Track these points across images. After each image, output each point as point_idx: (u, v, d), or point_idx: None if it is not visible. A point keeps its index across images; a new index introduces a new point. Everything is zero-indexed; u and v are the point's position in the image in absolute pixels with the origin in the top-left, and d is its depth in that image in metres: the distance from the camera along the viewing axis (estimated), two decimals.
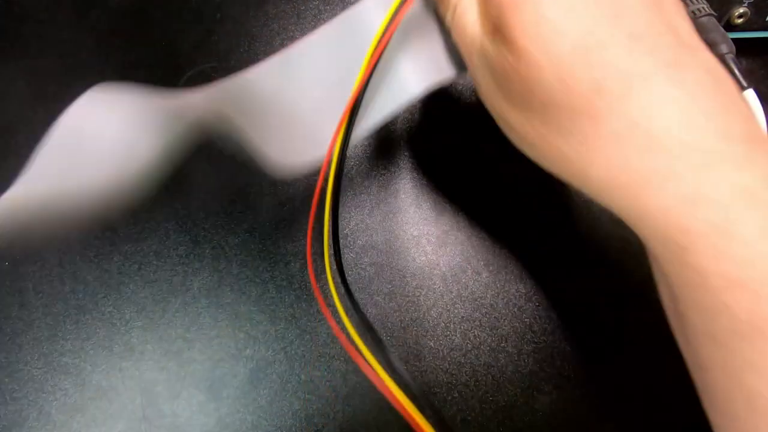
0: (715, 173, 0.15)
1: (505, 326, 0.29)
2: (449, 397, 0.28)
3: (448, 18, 0.19)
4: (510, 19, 0.16)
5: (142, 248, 0.28)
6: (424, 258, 0.29)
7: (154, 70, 0.30)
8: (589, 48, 0.15)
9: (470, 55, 0.18)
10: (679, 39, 0.16)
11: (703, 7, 0.26)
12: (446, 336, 0.28)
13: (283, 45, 0.30)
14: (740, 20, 0.28)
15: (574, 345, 0.29)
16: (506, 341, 0.28)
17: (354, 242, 0.29)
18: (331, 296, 0.24)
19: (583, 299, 0.26)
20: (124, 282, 0.27)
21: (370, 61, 0.19)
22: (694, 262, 0.15)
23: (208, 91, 0.20)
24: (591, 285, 0.28)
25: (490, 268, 0.29)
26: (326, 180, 0.22)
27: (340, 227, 0.29)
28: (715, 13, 0.26)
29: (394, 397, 0.23)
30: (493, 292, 0.29)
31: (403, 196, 0.29)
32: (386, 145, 0.30)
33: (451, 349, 0.28)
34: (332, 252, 0.25)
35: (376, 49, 0.19)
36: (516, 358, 0.28)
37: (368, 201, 0.29)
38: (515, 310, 0.29)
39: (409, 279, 0.28)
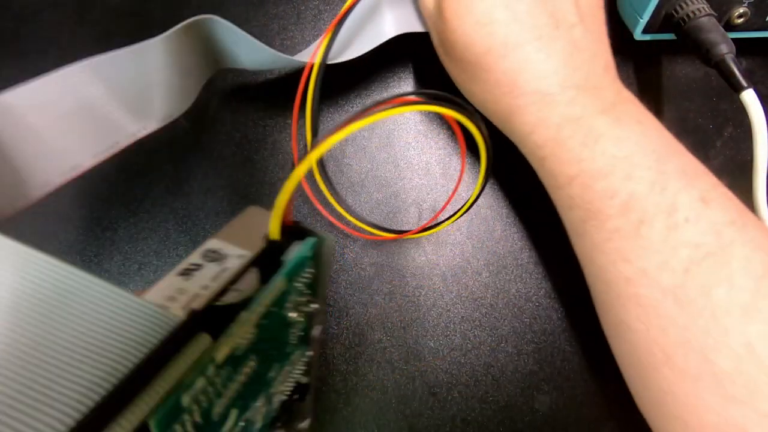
0: (553, 107, 0.22)
1: (505, 326, 0.29)
2: (449, 397, 0.28)
3: None
4: (444, 1, 0.24)
5: (142, 248, 0.28)
6: (424, 258, 0.29)
7: None
8: (485, 23, 0.23)
9: (427, 20, 0.26)
10: (555, 20, 0.22)
11: (703, 7, 0.26)
12: (446, 336, 0.28)
13: (283, 45, 0.30)
14: (740, 20, 0.28)
15: (574, 345, 0.29)
16: (506, 341, 0.28)
17: (354, 242, 0.29)
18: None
19: (583, 299, 0.26)
20: (124, 282, 0.27)
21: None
22: (548, 168, 0.23)
23: None
24: None
25: (490, 268, 0.29)
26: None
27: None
28: (715, 13, 0.26)
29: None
30: (493, 292, 0.29)
31: (403, 197, 0.29)
32: (385, 145, 0.30)
33: (451, 349, 0.28)
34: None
35: None
36: (516, 358, 0.28)
37: (368, 200, 0.29)
38: (515, 310, 0.29)
39: (409, 279, 0.28)
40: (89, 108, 0.22)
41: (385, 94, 0.30)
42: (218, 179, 0.29)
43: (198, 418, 0.10)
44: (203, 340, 0.10)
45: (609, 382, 0.26)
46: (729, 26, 0.28)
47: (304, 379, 0.16)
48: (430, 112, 0.30)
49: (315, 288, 0.14)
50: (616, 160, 0.21)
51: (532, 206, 0.30)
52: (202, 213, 0.28)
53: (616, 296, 0.22)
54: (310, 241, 0.12)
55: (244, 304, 0.11)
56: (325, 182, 0.28)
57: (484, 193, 0.30)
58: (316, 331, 0.15)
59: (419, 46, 0.29)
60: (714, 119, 0.32)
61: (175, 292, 0.11)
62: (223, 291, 0.11)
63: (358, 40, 0.27)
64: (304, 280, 0.13)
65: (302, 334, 0.15)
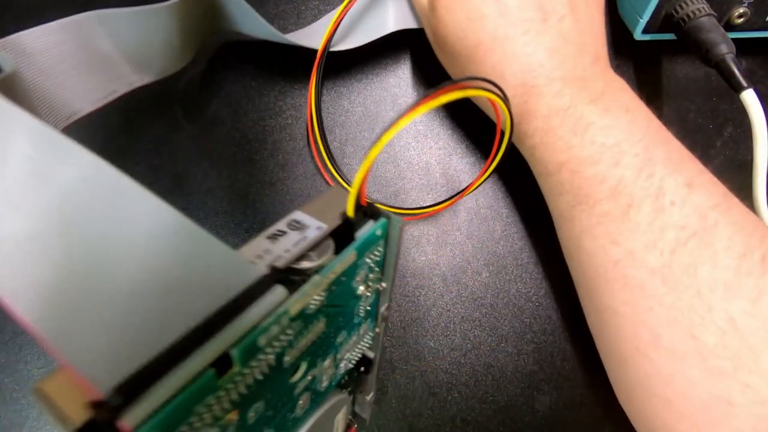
0: (540, 98, 0.23)
1: (505, 326, 0.28)
2: (449, 397, 0.28)
3: None
4: (437, 0, 0.25)
5: None
6: (424, 258, 0.29)
7: None
8: (475, 18, 0.23)
9: (421, 15, 0.27)
10: (543, 12, 0.23)
11: (703, 7, 0.26)
12: (446, 336, 0.28)
13: (283, 46, 0.30)
14: (740, 20, 0.28)
15: (574, 345, 0.29)
16: (506, 341, 0.28)
17: None
18: None
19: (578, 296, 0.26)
20: None
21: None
22: (538, 156, 0.24)
23: None
24: None
25: (490, 268, 0.29)
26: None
27: None
28: (715, 13, 0.26)
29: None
30: (493, 292, 0.29)
31: (402, 197, 0.29)
32: (385, 145, 0.30)
33: (451, 349, 0.28)
34: None
35: None
36: (516, 358, 0.28)
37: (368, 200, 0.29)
38: (515, 310, 0.29)
39: (409, 279, 0.28)
40: (93, 53, 0.23)
41: (431, 88, 0.30)
42: (218, 179, 0.29)
43: (272, 361, 0.11)
44: (280, 292, 0.11)
45: (609, 382, 0.25)
46: (729, 26, 0.28)
47: (369, 353, 0.18)
48: (429, 113, 0.30)
49: (383, 267, 0.15)
50: (604, 148, 0.22)
51: (532, 206, 0.30)
52: (202, 213, 0.28)
53: (604, 281, 0.22)
54: (381, 221, 0.14)
55: (318, 270, 0.12)
56: (328, 181, 0.28)
57: (484, 193, 0.30)
58: (383, 308, 0.16)
59: (417, 39, 0.29)
60: (714, 119, 0.32)
61: (263, 252, 0.12)
62: (302, 255, 0.12)
63: (361, 30, 0.28)
64: (374, 257, 0.15)
65: (369, 309, 0.16)
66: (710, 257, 0.20)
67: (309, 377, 0.14)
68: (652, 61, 0.32)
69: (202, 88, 0.29)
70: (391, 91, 0.30)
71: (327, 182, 0.28)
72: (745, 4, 0.28)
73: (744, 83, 0.25)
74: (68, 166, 0.11)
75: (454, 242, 0.29)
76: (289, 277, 0.12)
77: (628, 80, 0.25)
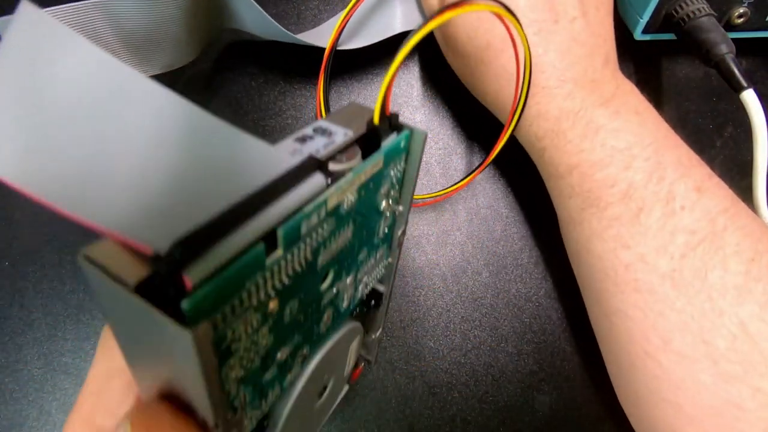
0: (551, 100, 0.23)
1: (505, 326, 0.28)
2: (449, 397, 0.28)
3: None
4: (448, 1, 0.25)
5: None
6: (424, 258, 0.29)
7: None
8: (486, 19, 0.23)
9: (430, 16, 0.25)
10: (555, 13, 0.23)
11: (703, 7, 0.26)
12: (446, 336, 0.28)
13: (284, 46, 0.30)
14: (740, 20, 0.28)
15: (574, 345, 0.29)
16: (506, 341, 0.28)
17: None
18: None
19: (583, 300, 0.26)
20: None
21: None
22: (548, 158, 0.24)
23: None
24: None
25: (490, 268, 0.29)
26: None
27: None
28: (715, 13, 0.26)
29: None
30: (493, 292, 0.29)
31: None
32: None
33: (451, 349, 0.28)
34: None
35: None
36: (516, 358, 0.28)
37: None
38: (515, 310, 0.29)
39: (409, 279, 0.28)
40: (96, 42, 0.23)
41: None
42: None
43: (309, 256, 0.12)
44: (320, 180, 0.12)
45: (609, 382, 0.25)
46: (729, 26, 0.28)
47: (380, 287, 0.18)
48: (429, 113, 0.30)
49: (402, 186, 0.16)
50: (615, 151, 0.22)
51: (532, 206, 0.30)
52: None
53: (614, 284, 0.22)
54: (405, 132, 0.14)
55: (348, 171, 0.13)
56: None
57: (484, 193, 0.30)
58: (399, 231, 0.17)
59: (425, 40, 0.29)
60: (714, 119, 0.32)
61: (293, 151, 0.12)
62: (332, 157, 0.13)
63: (369, 31, 0.28)
64: (397, 172, 0.15)
65: (387, 231, 0.17)
66: (720, 261, 0.20)
67: (334, 290, 0.15)
68: (652, 61, 0.32)
69: (202, 87, 0.29)
70: (399, 92, 0.30)
71: None
72: (745, 4, 0.28)
73: (744, 83, 0.25)
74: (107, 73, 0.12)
75: (454, 242, 0.29)
76: (326, 170, 0.12)
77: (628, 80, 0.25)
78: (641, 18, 0.28)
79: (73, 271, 0.27)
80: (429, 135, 0.30)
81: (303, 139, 0.13)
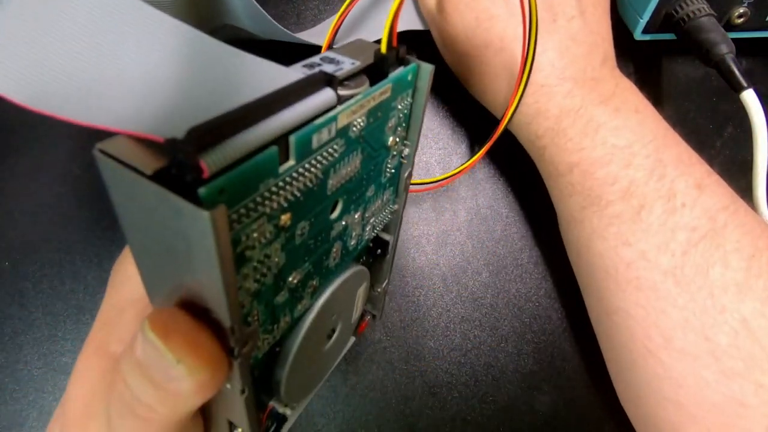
0: (551, 98, 0.23)
1: (505, 326, 0.28)
2: (449, 397, 0.28)
3: None
4: (446, 1, 0.25)
5: None
6: (424, 258, 0.29)
7: None
8: (484, 18, 0.24)
9: (427, 18, 0.27)
10: (553, 13, 0.23)
11: (703, 7, 0.26)
12: (446, 336, 0.28)
13: (284, 46, 0.30)
14: (740, 20, 0.28)
15: (574, 345, 0.29)
16: (506, 341, 0.28)
17: None
18: None
19: (583, 299, 0.26)
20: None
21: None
22: (548, 156, 0.24)
23: None
24: None
25: (490, 268, 0.29)
26: None
27: None
28: (715, 13, 0.26)
29: None
30: (493, 292, 0.29)
31: None
32: None
33: (451, 349, 0.28)
34: None
35: None
36: (516, 358, 0.28)
37: None
38: (515, 310, 0.29)
39: (409, 279, 0.28)
40: None
41: None
42: None
43: (320, 174, 0.12)
44: (330, 94, 0.12)
45: (609, 383, 0.25)
46: (729, 26, 0.28)
47: (386, 236, 0.19)
48: (429, 113, 0.30)
49: (409, 125, 0.16)
50: (615, 149, 0.22)
51: (532, 206, 0.30)
52: None
53: (615, 282, 0.22)
54: (412, 65, 0.15)
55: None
56: None
57: (484, 193, 0.30)
58: (405, 174, 0.17)
59: (422, 41, 0.29)
60: (714, 119, 0.32)
61: (303, 74, 0.13)
62: (342, 80, 0.13)
63: (364, 30, 0.28)
64: (404, 106, 0.15)
65: (394, 172, 0.17)
66: (721, 258, 0.20)
67: (343, 223, 0.15)
68: (652, 61, 0.32)
69: None
70: None
71: None
72: (745, 4, 0.28)
73: (744, 83, 0.25)
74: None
75: (454, 242, 0.29)
76: (335, 86, 0.12)
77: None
78: (641, 18, 0.28)
79: (73, 271, 0.27)
80: (429, 135, 0.30)
81: (311, 66, 0.13)
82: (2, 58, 0.11)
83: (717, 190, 0.22)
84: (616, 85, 0.23)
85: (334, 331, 0.18)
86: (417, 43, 0.29)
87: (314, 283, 0.15)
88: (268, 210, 0.11)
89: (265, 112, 0.10)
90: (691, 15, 0.26)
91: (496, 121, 0.26)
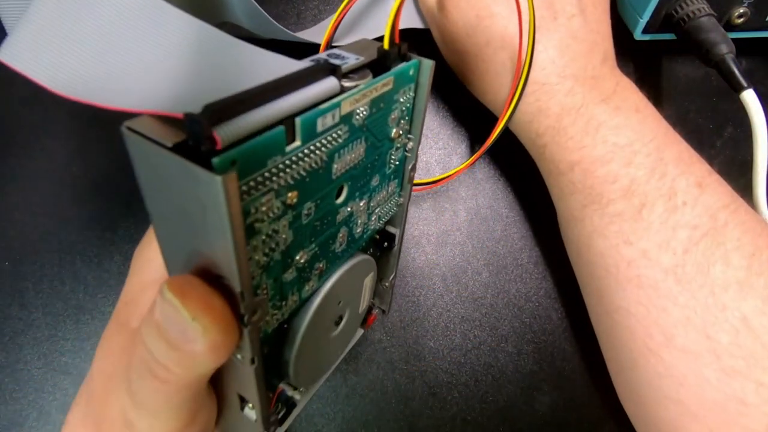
0: (551, 96, 0.23)
1: (505, 326, 0.28)
2: (449, 397, 0.28)
3: None
4: (446, 0, 0.25)
5: None
6: (424, 258, 0.29)
7: None
8: (485, 16, 0.24)
9: (428, 17, 0.28)
10: (553, 11, 0.23)
11: (703, 7, 0.26)
12: (446, 336, 0.28)
13: (283, 46, 0.30)
14: (740, 20, 0.28)
15: (574, 345, 0.29)
16: (506, 341, 0.28)
17: None
18: None
19: (583, 299, 0.26)
20: (124, 282, 0.27)
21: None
22: (549, 155, 0.24)
23: None
24: None
25: (490, 268, 0.29)
26: None
27: None
28: (715, 13, 0.26)
29: None
30: (493, 292, 0.29)
31: None
32: None
33: (451, 349, 0.28)
34: None
35: None
36: (516, 358, 0.28)
37: None
38: (515, 310, 0.29)
39: (409, 279, 0.28)
40: None
41: None
42: None
43: (325, 157, 0.13)
44: (333, 82, 0.13)
45: (609, 383, 0.25)
46: (729, 26, 0.28)
47: (392, 229, 0.20)
48: (429, 113, 0.30)
49: (412, 118, 0.17)
50: (616, 148, 0.22)
51: (532, 206, 0.30)
52: None
53: (616, 281, 0.22)
54: (414, 61, 0.15)
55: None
56: None
57: (484, 193, 0.30)
58: (409, 166, 0.18)
59: (422, 39, 0.29)
60: (714, 119, 0.32)
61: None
62: (346, 74, 0.14)
63: (363, 28, 0.29)
64: (406, 100, 0.16)
65: (398, 164, 0.18)
66: (722, 256, 0.20)
67: (348, 209, 0.16)
68: (652, 61, 0.32)
69: None
70: None
71: None
72: (745, 4, 0.28)
73: (744, 83, 0.25)
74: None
75: (454, 242, 0.29)
76: (339, 75, 0.13)
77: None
78: (641, 18, 0.28)
79: (73, 271, 0.27)
80: (429, 135, 0.30)
81: (318, 61, 0.14)
82: (38, 50, 0.12)
83: (717, 188, 0.22)
84: (616, 84, 0.23)
85: (341, 318, 0.18)
86: (417, 42, 0.29)
87: (321, 265, 0.15)
88: (275, 186, 0.12)
89: (273, 94, 0.11)
90: (691, 15, 0.26)
91: (496, 120, 0.26)
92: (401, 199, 0.19)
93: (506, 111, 0.24)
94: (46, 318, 0.26)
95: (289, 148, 0.12)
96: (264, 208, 0.12)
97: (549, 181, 0.25)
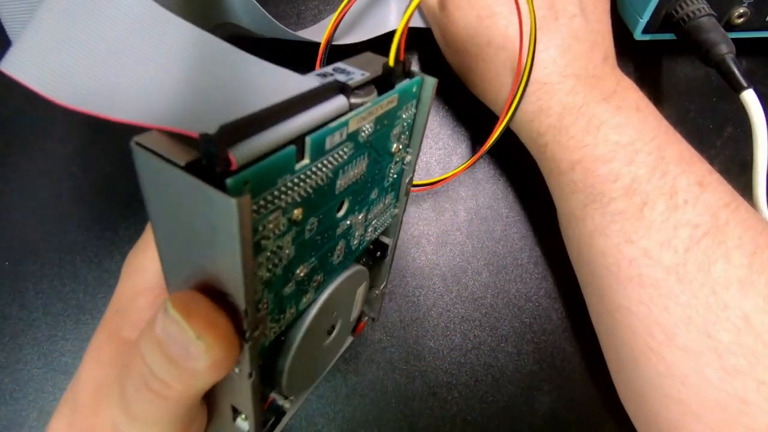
0: (553, 96, 0.23)
1: (505, 326, 0.29)
2: (449, 397, 0.28)
3: None
4: (448, 0, 0.25)
5: None
6: (424, 258, 0.29)
7: None
8: (486, 16, 0.24)
9: (429, 17, 0.28)
10: (554, 11, 0.23)
11: (703, 7, 0.26)
12: (446, 336, 0.28)
13: (283, 45, 0.30)
14: (740, 20, 0.28)
15: (574, 345, 0.29)
16: (506, 341, 0.28)
17: None
18: None
19: (583, 299, 0.26)
20: None
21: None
22: (550, 154, 0.24)
23: None
24: None
25: (490, 268, 0.29)
26: None
27: None
28: (715, 13, 0.26)
29: None
30: (493, 292, 0.29)
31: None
32: None
33: (451, 349, 0.28)
34: None
35: None
36: (516, 358, 0.28)
37: None
38: (515, 310, 0.29)
39: (409, 279, 0.28)
40: None
41: None
42: None
43: (330, 174, 0.13)
44: (342, 101, 0.13)
45: (609, 382, 0.25)
46: (729, 26, 0.28)
47: (386, 239, 0.20)
48: (430, 112, 0.30)
49: (412, 133, 0.17)
50: (618, 146, 0.22)
51: (531, 206, 0.30)
52: None
53: (617, 280, 0.22)
54: (417, 78, 0.16)
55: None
56: None
57: (484, 193, 0.30)
58: (407, 179, 0.18)
59: (423, 38, 0.29)
60: (714, 119, 0.32)
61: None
62: (354, 89, 0.14)
63: (364, 26, 0.28)
64: (408, 116, 0.16)
65: (396, 177, 0.18)
66: (723, 255, 0.20)
67: (348, 222, 0.16)
68: (652, 61, 0.32)
69: None
70: None
71: None
72: (745, 4, 0.28)
73: (744, 83, 0.25)
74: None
75: (454, 242, 0.29)
76: (348, 93, 0.13)
77: None
78: (641, 18, 0.28)
79: (73, 271, 0.27)
80: (429, 135, 0.30)
81: (324, 75, 0.14)
82: (41, 60, 0.12)
83: (718, 187, 0.22)
84: (617, 83, 0.23)
85: (334, 327, 0.18)
86: (418, 42, 0.29)
87: (319, 278, 0.16)
88: (283, 204, 0.12)
89: (286, 114, 0.11)
90: (691, 15, 0.26)
91: (497, 120, 0.26)
92: (396, 211, 0.19)
93: (507, 111, 0.24)
94: (46, 318, 0.26)
95: (297, 167, 0.12)
96: (271, 226, 0.12)
97: (550, 181, 0.25)
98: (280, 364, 0.15)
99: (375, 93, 0.14)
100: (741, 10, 0.28)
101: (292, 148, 0.11)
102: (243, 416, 0.15)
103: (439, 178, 0.27)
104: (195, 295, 0.12)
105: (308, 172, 0.12)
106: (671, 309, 0.20)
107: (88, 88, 0.12)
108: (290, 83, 0.13)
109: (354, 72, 0.15)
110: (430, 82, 0.16)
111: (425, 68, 0.31)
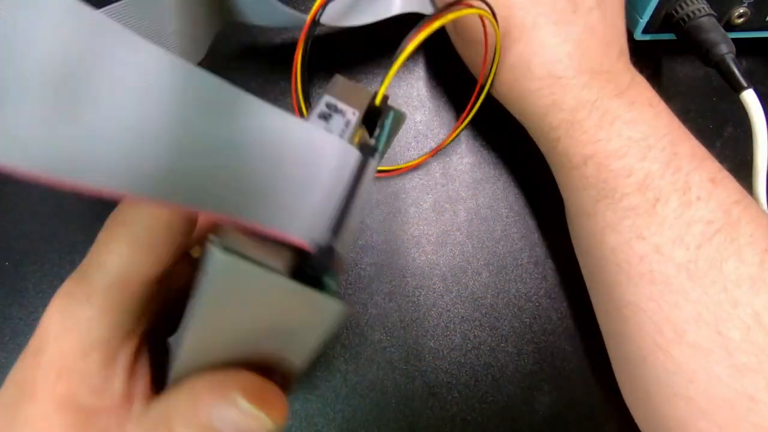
0: (567, 90, 0.23)
1: (505, 326, 0.28)
2: (449, 397, 0.28)
3: None
4: None
5: None
6: (424, 258, 0.29)
7: None
8: (503, 6, 0.23)
9: (439, 2, 0.27)
10: (573, 4, 0.23)
11: (703, 7, 0.26)
12: (446, 336, 0.28)
13: (284, 45, 0.30)
14: (740, 20, 0.28)
15: (574, 345, 0.29)
16: (506, 341, 0.28)
17: (353, 242, 0.29)
18: None
19: (583, 299, 0.26)
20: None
21: None
22: (561, 149, 0.24)
23: None
24: None
25: (490, 268, 0.29)
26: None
27: None
28: (715, 13, 0.26)
29: None
30: (493, 292, 0.29)
31: (402, 196, 0.29)
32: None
33: (451, 349, 0.28)
34: None
35: None
36: (516, 358, 0.28)
37: (367, 201, 0.29)
38: (515, 310, 0.29)
39: (409, 279, 0.28)
40: None
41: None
42: None
43: None
44: (374, 165, 0.13)
45: (609, 382, 0.25)
46: (729, 26, 0.28)
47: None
48: (430, 112, 0.30)
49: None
50: (631, 142, 0.22)
51: (532, 207, 0.30)
52: None
53: (627, 276, 0.22)
54: (392, 113, 0.16)
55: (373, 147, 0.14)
56: None
57: (484, 193, 0.30)
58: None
59: (428, 38, 0.29)
60: (714, 119, 0.32)
61: (326, 131, 0.14)
62: (372, 150, 0.14)
63: (364, 9, 0.27)
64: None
65: None
66: (735, 252, 0.20)
67: None
68: (652, 61, 0.32)
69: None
70: (399, 92, 0.30)
71: None
72: (745, 4, 0.28)
73: (744, 83, 0.25)
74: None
75: (454, 242, 0.29)
76: (373, 154, 0.14)
77: None
78: (641, 18, 0.28)
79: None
80: (429, 135, 0.30)
81: (324, 117, 0.14)
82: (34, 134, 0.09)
83: (729, 184, 0.22)
84: (631, 79, 0.23)
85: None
86: (421, 44, 0.29)
87: None
88: None
89: (351, 202, 0.12)
90: (691, 15, 0.26)
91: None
92: None
93: (476, 96, 0.23)
94: None
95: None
96: None
97: (560, 176, 0.25)
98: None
99: (366, 134, 0.15)
100: (741, 10, 0.28)
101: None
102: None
103: (411, 163, 0.26)
104: (264, 383, 0.12)
105: None
106: (681, 306, 0.20)
107: (46, 147, 0.09)
108: (298, 132, 0.12)
109: (345, 110, 0.15)
110: (402, 117, 0.16)
111: (427, 70, 0.31)
